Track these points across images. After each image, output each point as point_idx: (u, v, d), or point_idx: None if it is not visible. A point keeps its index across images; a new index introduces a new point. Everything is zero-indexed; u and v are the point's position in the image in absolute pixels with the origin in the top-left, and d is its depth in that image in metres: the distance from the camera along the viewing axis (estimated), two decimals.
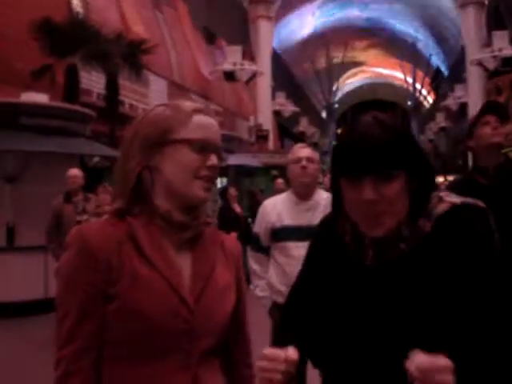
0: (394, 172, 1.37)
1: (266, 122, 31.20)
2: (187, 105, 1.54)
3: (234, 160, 16.72)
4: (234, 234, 1.59)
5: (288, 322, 1.66)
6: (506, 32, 24.55)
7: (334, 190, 1.53)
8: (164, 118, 1.50)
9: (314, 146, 48.41)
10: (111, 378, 1.43)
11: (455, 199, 1.44)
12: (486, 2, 29.57)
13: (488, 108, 3.24)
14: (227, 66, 26.33)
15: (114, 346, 1.43)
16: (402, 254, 1.42)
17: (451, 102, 33.46)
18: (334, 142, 72.51)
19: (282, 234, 3.86)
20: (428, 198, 1.45)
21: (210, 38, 33.78)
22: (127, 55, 14.09)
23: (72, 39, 13.29)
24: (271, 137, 31.29)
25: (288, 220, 3.87)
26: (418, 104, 66.47)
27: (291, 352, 1.36)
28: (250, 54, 28.54)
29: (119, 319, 1.40)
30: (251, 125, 31.65)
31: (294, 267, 3.45)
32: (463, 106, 31.44)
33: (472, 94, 29.62)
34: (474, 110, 28.85)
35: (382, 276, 1.43)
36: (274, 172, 18.83)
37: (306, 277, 1.68)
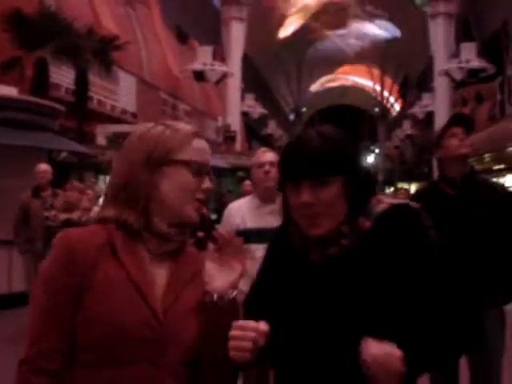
0: (329, 178, 1.53)
1: (235, 123, 31.27)
2: (187, 128, 1.60)
3: None
4: (201, 234, 1.62)
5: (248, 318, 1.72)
6: (474, 44, 24.98)
7: (283, 195, 1.68)
8: (165, 138, 1.54)
9: (280, 148, 48.70)
10: (78, 382, 1.43)
11: (393, 200, 1.61)
12: (455, 14, 30.04)
13: (455, 120, 3.37)
14: (197, 66, 26.30)
15: (83, 351, 1.43)
16: (345, 249, 1.56)
17: (418, 110, 33.97)
18: None
19: (246, 236, 3.88)
20: (365, 201, 1.59)
21: (182, 37, 33.68)
22: (98, 51, 13.96)
23: (42, 32, 13.10)
24: (239, 138, 31.37)
25: (251, 223, 3.91)
26: (385, 110, 67.17)
27: (262, 324, 1.45)
28: (220, 55, 28.54)
29: (89, 324, 1.42)
30: (219, 125, 31.68)
31: (257, 269, 3.53)
32: (430, 115, 31.91)
33: (439, 104, 30.12)
34: (440, 118, 29.31)
35: (328, 271, 1.56)
36: (241, 173, 18.82)
37: (262, 277, 1.82)
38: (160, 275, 1.52)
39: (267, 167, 3.86)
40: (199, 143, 1.58)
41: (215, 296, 1.48)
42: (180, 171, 1.52)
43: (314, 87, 70.05)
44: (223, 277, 1.51)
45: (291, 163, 1.58)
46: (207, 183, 1.55)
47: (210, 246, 1.56)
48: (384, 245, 1.53)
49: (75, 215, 6.75)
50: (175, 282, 1.53)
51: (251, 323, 1.45)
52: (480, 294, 3.12)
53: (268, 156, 3.93)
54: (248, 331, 1.43)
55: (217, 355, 1.48)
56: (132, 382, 1.42)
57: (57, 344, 1.43)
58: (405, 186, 44.07)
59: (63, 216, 6.92)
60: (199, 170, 1.55)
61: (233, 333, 1.44)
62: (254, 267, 3.57)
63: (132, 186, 1.51)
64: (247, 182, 11.03)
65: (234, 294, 1.51)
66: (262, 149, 4.16)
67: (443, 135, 3.33)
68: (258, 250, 3.68)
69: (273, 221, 3.72)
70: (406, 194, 10.01)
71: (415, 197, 3.87)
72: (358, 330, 1.45)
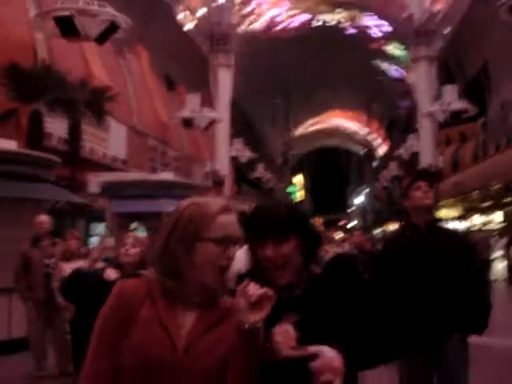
0: (287, 236, 1.97)
1: (223, 167, 31.70)
2: (215, 205, 1.92)
3: None
4: None
5: None
6: (455, 86, 25.63)
7: (252, 251, 2.07)
8: (195, 218, 1.88)
9: (270, 191, 49.17)
10: None
11: (337, 250, 2.09)
12: (436, 57, 30.84)
13: (420, 175, 3.84)
14: (186, 113, 26.77)
15: (125, 374, 1.79)
16: (304, 290, 2.00)
17: (403, 151, 34.48)
18: (289, 188, 73.44)
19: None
20: (314, 253, 2.06)
21: (170, 84, 34.29)
22: (91, 102, 14.37)
23: (37, 85, 13.52)
24: (228, 182, 31.76)
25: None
26: (370, 152, 68.03)
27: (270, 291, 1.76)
28: (209, 101, 29.09)
29: (128, 353, 1.79)
30: (208, 170, 32.08)
31: None
32: (415, 155, 32.43)
33: (423, 144, 30.70)
34: (424, 158, 29.90)
35: (294, 307, 1.96)
36: None
37: None
38: (189, 318, 1.87)
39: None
40: (224, 220, 1.89)
41: (247, 325, 1.78)
42: (207, 247, 1.85)
43: (301, 130, 70.80)
44: (254, 312, 1.80)
45: (259, 225, 2.01)
46: (231, 252, 1.87)
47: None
48: (331, 286, 2.00)
49: (82, 264, 7.00)
50: (201, 325, 1.87)
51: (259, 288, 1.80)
52: (442, 327, 3.57)
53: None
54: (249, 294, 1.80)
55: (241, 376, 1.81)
56: None
57: (106, 366, 1.80)
58: (395, 225, 44.57)
59: (62, 264, 7.17)
60: (225, 242, 1.87)
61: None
62: None
63: (169, 259, 1.87)
64: None
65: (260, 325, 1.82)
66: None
67: (409, 187, 3.76)
68: None
69: None
70: (360, 236, 10.44)
71: (385, 242, 4.37)
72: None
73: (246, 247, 4.41)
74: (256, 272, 2.08)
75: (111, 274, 4.20)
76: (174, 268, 1.86)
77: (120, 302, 1.83)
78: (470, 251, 3.79)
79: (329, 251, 2.07)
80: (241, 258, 4.51)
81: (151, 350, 1.77)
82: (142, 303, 1.83)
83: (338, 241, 13.51)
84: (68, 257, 7.24)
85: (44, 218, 7.81)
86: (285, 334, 1.85)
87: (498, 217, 29.53)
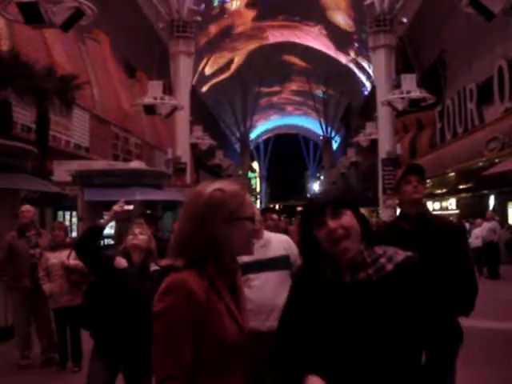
0: (341, 210, 2.17)
1: (184, 154, 31.65)
2: (238, 188, 2.15)
3: (162, 196, 17.09)
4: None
5: (283, 347, 2.28)
6: (414, 75, 26.12)
7: (305, 243, 2.28)
8: (227, 201, 2.09)
9: (229, 178, 49.33)
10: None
11: (407, 252, 2.28)
12: (395, 46, 31.28)
13: (410, 169, 4.10)
14: (148, 100, 26.67)
15: (206, 362, 2.01)
16: (371, 279, 2.16)
17: (362, 138, 34.99)
18: (249, 174, 73.67)
19: (244, 268, 4.42)
20: (368, 225, 2.26)
21: (131, 71, 34.02)
22: (59, 90, 14.29)
23: (4, 73, 13.39)
24: (188, 169, 31.75)
25: (247, 257, 4.47)
26: (329, 140, 68.74)
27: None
28: (169, 88, 28.98)
29: (209, 342, 1.99)
30: (169, 157, 32.00)
31: (255, 294, 4.13)
32: (374, 142, 32.96)
33: (382, 132, 31.20)
34: (383, 146, 30.44)
35: (358, 292, 2.14)
36: None
37: (293, 309, 2.29)
38: (233, 299, 2.12)
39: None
40: (249, 199, 2.16)
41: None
42: (244, 224, 2.10)
43: (258, 116, 71.02)
44: None
45: (316, 205, 2.23)
46: (256, 225, 2.18)
47: None
48: (402, 284, 2.16)
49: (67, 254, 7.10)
50: (240, 304, 2.15)
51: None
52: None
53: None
54: None
55: None
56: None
57: (185, 358, 1.97)
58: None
59: (48, 254, 7.25)
60: (253, 218, 2.14)
61: None
62: (251, 294, 4.15)
63: (206, 243, 2.05)
64: None
65: None
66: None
67: (400, 182, 4.03)
68: (256, 279, 4.29)
69: (265, 252, 4.33)
70: None
71: (379, 230, 4.59)
72: (381, 342, 2.08)
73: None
74: (311, 268, 2.29)
75: (122, 262, 4.32)
76: (213, 250, 2.06)
77: (186, 297, 1.96)
78: (458, 235, 4.03)
79: (398, 252, 2.21)
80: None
81: (225, 336, 1.99)
82: (208, 296, 2.00)
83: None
84: (54, 247, 7.34)
85: (28, 208, 7.90)
86: None
87: (452, 203, 30.36)
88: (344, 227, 2.13)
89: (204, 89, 51.20)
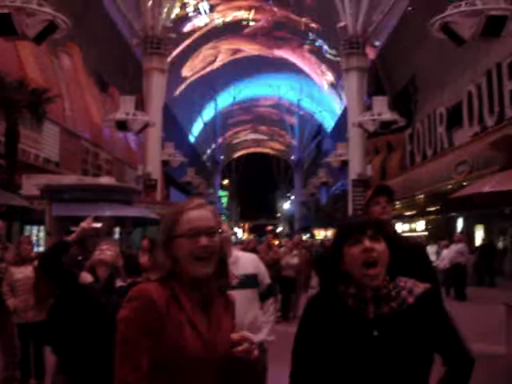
0: (379, 235, 2.17)
1: (155, 171, 31.53)
2: (182, 205, 2.15)
3: (132, 212, 16.90)
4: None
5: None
6: (385, 98, 26.45)
7: (328, 266, 2.27)
8: (167, 220, 2.13)
9: (199, 195, 49.17)
10: None
11: (425, 284, 2.25)
12: (367, 69, 31.62)
13: (379, 190, 4.12)
14: (120, 116, 26.56)
15: (158, 370, 1.97)
16: (393, 312, 2.13)
17: (333, 159, 35.19)
18: (219, 193, 73.58)
19: None
20: (397, 263, 2.22)
21: (103, 85, 33.88)
22: (30, 103, 14.14)
23: None
24: (159, 186, 31.61)
25: None
26: (301, 159, 69.01)
27: None
28: (141, 104, 28.92)
29: (165, 351, 1.96)
30: (139, 174, 31.83)
31: None
32: (344, 163, 33.16)
33: (352, 153, 31.43)
34: (354, 167, 30.67)
35: (381, 326, 2.11)
36: None
37: (310, 341, 2.22)
38: (203, 312, 2.10)
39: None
40: (191, 214, 2.12)
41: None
42: (180, 241, 2.08)
43: (232, 136, 71.25)
44: None
45: (355, 224, 2.23)
46: (202, 241, 2.08)
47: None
48: (423, 317, 2.15)
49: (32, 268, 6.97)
50: (212, 320, 2.12)
51: None
52: None
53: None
54: None
55: None
56: None
57: (143, 367, 1.94)
58: (321, 232, 45.48)
59: (14, 268, 7.11)
60: (194, 234, 2.08)
61: None
62: None
63: (167, 261, 2.08)
64: None
65: None
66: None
67: (369, 202, 4.06)
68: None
69: (233, 270, 4.31)
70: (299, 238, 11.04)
71: None
72: (405, 379, 2.08)
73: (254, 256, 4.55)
74: (329, 295, 2.25)
75: (87, 277, 4.25)
76: (171, 268, 2.07)
77: (146, 305, 1.97)
78: (420, 252, 4.07)
79: (417, 284, 2.21)
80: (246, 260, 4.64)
81: (185, 348, 1.97)
82: (168, 305, 1.99)
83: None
84: (19, 262, 7.21)
85: None
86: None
87: (420, 225, 30.61)
88: (378, 252, 2.13)
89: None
